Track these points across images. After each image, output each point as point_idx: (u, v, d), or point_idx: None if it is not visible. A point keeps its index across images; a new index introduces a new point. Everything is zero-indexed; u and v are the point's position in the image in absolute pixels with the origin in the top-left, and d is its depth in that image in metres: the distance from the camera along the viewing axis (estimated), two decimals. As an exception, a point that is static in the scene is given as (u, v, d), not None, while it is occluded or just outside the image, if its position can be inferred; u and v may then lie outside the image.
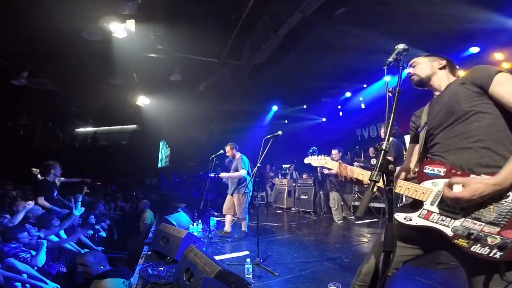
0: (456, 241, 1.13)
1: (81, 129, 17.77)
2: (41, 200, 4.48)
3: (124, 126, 17.26)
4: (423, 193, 1.26)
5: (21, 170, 10.44)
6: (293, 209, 8.03)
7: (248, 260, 2.87)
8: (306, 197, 7.57)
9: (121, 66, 7.35)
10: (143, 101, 10.16)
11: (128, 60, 7.00)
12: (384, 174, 1.09)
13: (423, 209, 1.26)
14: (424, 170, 1.30)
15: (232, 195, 4.80)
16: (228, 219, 4.87)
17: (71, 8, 5.23)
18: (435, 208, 1.22)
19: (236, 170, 4.75)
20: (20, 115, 14.29)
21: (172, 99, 10.22)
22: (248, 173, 4.71)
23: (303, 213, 7.43)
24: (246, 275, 2.74)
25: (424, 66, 1.55)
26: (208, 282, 1.99)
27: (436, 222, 1.21)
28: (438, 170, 1.26)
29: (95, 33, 5.86)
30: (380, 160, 1.09)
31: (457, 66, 1.60)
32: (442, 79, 1.52)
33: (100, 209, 6.19)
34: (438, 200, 1.22)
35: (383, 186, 1.12)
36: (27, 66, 7.62)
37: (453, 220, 1.16)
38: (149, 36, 6.41)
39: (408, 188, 1.30)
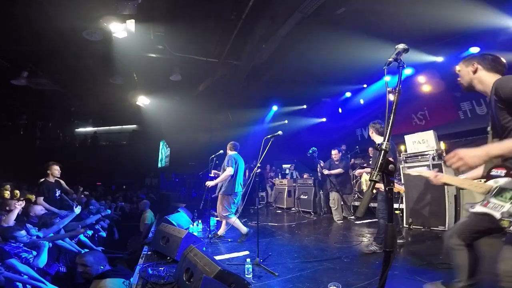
0: (501, 222, 1.50)
1: (81, 129, 17.77)
2: (40, 200, 4.49)
3: (124, 126, 17.26)
4: (486, 188, 1.68)
5: (21, 170, 10.46)
6: (293, 209, 8.02)
7: (248, 260, 2.87)
8: (306, 197, 7.56)
9: (121, 66, 7.35)
10: (143, 101, 10.15)
11: (128, 60, 7.00)
12: (384, 174, 1.10)
13: (484, 199, 1.66)
14: (491, 173, 1.69)
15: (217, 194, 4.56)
16: (224, 221, 4.62)
17: (71, 8, 5.23)
18: (492, 199, 1.61)
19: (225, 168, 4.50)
20: (20, 115, 14.29)
21: (172, 99, 10.22)
22: (235, 172, 4.41)
23: (303, 213, 7.42)
24: (246, 275, 2.73)
25: (463, 73, 1.73)
26: (208, 282, 1.99)
27: (491, 209, 1.59)
28: (500, 172, 1.65)
29: (95, 33, 5.87)
30: (380, 160, 1.09)
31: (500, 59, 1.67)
32: (483, 83, 1.65)
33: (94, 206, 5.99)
34: (495, 193, 1.61)
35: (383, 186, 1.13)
36: (27, 66, 7.63)
37: (502, 207, 1.53)
38: (149, 36, 6.41)
39: (475, 185, 1.74)
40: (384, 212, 3.44)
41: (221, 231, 4.66)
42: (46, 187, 4.70)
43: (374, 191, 1.15)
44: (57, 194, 4.86)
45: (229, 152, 4.72)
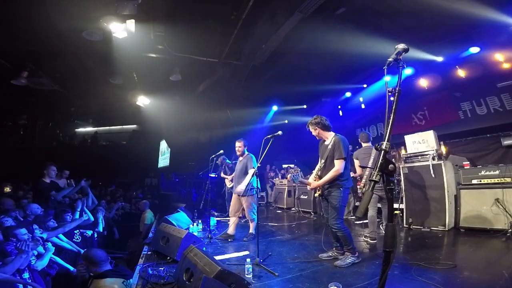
0: None
1: (81, 129, 17.78)
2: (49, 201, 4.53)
3: (124, 126, 17.26)
4: None
5: (21, 170, 10.45)
6: (293, 209, 8.02)
7: (248, 260, 2.87)
8: (306, 197, 7.56)
9: (121, 66, 7.35)
10: (143, 101, 10.15)
11: (128, 60, 6.99)
12: (384, 174, 1.10)
13: None
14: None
15: (241, 196, 4.49)
16: (233, 221, 4.58)
17: (71, 8, 5.22)
18: None
19: (246, 169, 4.49)
20: (20, 115, 14.28)
21: (172, 99, 10.21)
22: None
23: (303, 213, 7.42)
24: (246, 275, 2.73)
25: None
26: (208, 282, 1.99)
27: None
28: None
29: (95, 33, 5.86)
30: (380, 160, 1.09)
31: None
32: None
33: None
34: None
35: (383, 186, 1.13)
36: (27, 66, 7.61)
37: None
38: (149, 36, 6.41)
39: None
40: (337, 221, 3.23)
41: (232, 230, 4.57)
42: (46, 188, 4.70)
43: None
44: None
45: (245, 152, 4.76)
